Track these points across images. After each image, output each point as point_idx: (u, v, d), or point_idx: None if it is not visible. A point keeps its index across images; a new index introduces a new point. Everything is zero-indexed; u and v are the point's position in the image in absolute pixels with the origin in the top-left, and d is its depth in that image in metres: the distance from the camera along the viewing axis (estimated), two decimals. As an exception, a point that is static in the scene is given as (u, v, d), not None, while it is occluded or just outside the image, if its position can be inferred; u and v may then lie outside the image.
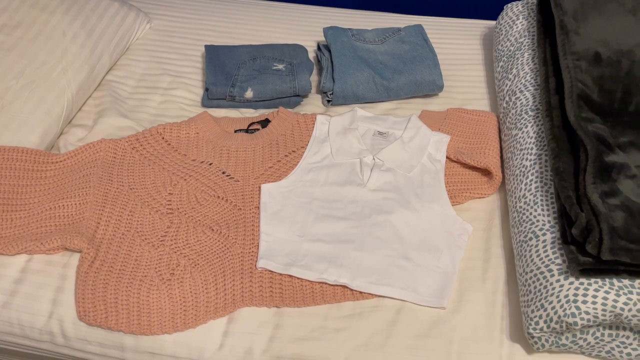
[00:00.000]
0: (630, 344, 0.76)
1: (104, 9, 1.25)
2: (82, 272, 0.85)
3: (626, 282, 0.73)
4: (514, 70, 1.09)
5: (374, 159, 0.99)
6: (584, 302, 0.72)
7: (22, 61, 1.07)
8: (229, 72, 1.16)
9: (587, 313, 0.71)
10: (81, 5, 1.21)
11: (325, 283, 0.85)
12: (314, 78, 1.22)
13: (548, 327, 0.74)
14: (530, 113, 0.99)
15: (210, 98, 1.15)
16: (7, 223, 0.91)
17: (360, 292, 0.85)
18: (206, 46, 1.22)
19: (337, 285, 0.85)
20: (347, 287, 0.85)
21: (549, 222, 0.82)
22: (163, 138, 1.04)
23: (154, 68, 1.24)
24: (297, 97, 1.16)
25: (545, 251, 0.79)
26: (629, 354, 0.76)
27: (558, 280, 0.75)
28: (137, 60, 1.26)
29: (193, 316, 0.82)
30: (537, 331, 0.75)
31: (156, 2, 1.43)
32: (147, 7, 1.39)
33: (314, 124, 1.07)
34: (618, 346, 0.76)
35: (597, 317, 0.72)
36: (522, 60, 1.09)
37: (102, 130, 1.08)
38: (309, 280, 0.85)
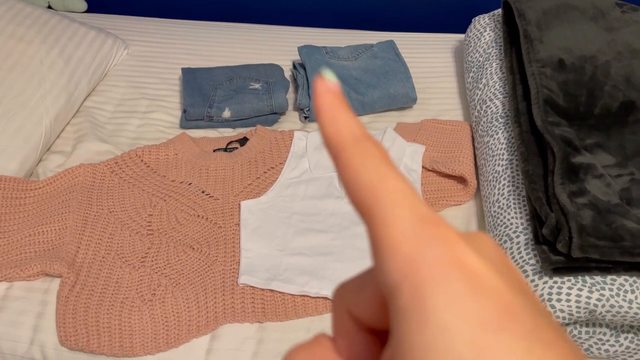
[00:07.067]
0: (608, 340, 0.77)
1: (81, 37, 1.26)
2: (63, 296, 0.84)
3: (598, 278, 0.74)
4: (484, 80, 1.12)
5: (351, 171, 1.01)
6: (559, 300, 0.73)
7: (-1, 91, 1.08)
8: (206, 93, 1.18)
9: (562, 311, 0.73)
10: (58, 34, 1.23)
11: (307, 296, 0.86)
12: (290, 96, 1.24)
13: (526, 327, 0.75)
14: (500, 120, 1.02)
15: (189, 119, 1.16)
16: (-14, 252, 0.90)
17: (342, 303, 0.85)
18: (183, 69, 1.24)
19: (319, 298, 0.86)
20: (328, 299, 0.86)
21: (522, 224, 0.84)
22: (142, 160, 1.05)
23: (132, 93, 1.25)
24: (274, 114, 1.18)
25: (520, 253, 0.81)
26: (607, 350, 0.77)
27: (532, 281, 0.77)
28: (115, 86, 1.27)
29: (175, 335, 0.82)
30: (516, 332, 0.76)
31: (133, 28, 1.45)
32: (124, 34, 1.41)
33: (291, 140, 1.08)
34: (596, 343, 0.77)
35: (572, 315, 0.73)
36: (490, 70, 1.13)
37: (81, 156, 1.08)
38: (290, 294, 0.86)
